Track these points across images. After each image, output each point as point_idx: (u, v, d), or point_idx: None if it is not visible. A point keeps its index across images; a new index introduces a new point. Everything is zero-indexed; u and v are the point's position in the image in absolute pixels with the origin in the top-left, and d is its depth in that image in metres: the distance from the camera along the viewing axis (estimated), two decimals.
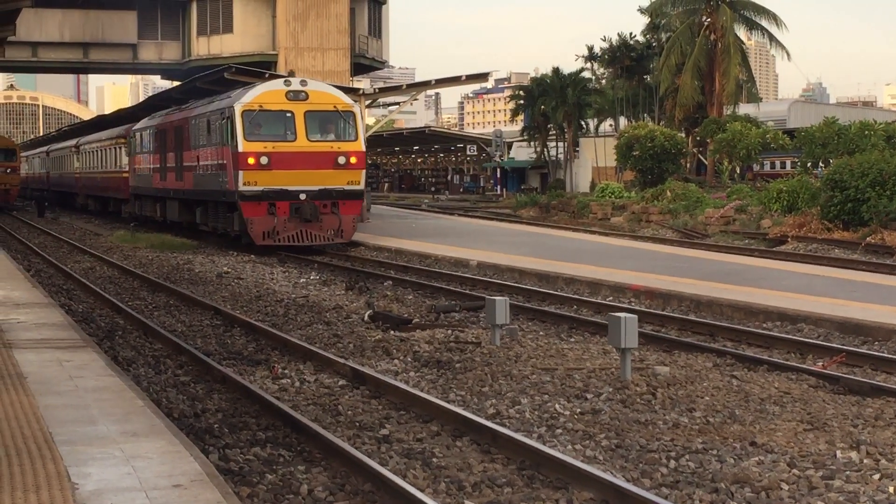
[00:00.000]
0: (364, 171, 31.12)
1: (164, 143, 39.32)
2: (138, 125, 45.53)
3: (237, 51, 66.98)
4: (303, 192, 29.41)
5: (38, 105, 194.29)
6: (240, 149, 29.51)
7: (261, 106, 29.91)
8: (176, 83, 63.75)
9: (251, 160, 29.36)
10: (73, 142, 66.05)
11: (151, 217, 42.82)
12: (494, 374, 13.24)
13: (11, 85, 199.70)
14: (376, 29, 74.08)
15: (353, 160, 30.11)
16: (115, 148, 50.97)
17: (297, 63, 59.23)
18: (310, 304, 20.12)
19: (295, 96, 30.01)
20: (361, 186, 30.84)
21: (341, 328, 17.25)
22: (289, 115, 29.94)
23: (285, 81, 30.92)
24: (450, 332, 16.66)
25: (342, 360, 13.83)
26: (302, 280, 24.38)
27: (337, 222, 29.80)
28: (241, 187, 29.48)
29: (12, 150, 67.83)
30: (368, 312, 18.25)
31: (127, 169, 47.20)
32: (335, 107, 30.55)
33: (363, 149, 31.06)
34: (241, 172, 29.44)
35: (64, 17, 69.32)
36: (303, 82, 30.89)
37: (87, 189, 59.75)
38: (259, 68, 47.13)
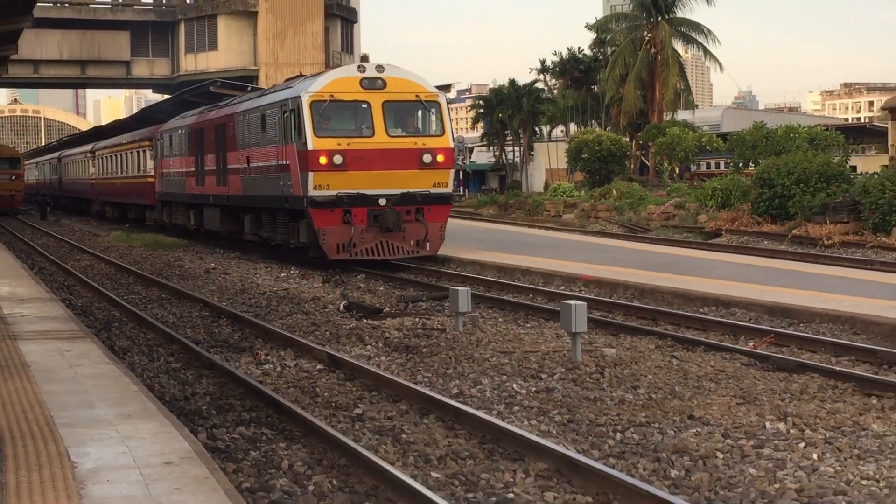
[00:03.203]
0: (452, 170, 24.82)
1: (200, 144, 32.97)
2: (166, 126, 39.19)
3: (222, 66, 66.77)
4: (383, 196, 23.31)
5: (40, 117, 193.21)
6: (309, 146, 23.17)
7: (332, 96, 23.46)
8: (167, 96, 63.39)
9: (323, 159, 23.09)
10: (87, 147, 60.51)
11: (183, 226, 36.60)
12: (458, 358, 13.23)
13: (15, 99, 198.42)
14: (349, 45, 73.97)
15: (440, 158, 23.93)
16: (138, 151, 44.96)
17: (277, 77, 58.99)
18: (290, 296, 20.04)
19: (371, 84, 23.67)
20: (450, 189, 24.51)
21: (319, 317, 17.19)
22: (364, 106, 23.72)
23: (359, 67, 24.07)
24: (417, 319, 16.64)
25: (319, 347, 13.79)
26: (283, 274, 24.27)
27: (422, 231, 23.71)
28: (311, 192, 23.14)
29: (17, 158, 68.26)
30: (343, 303, 18.19)
31: (152, 173, 41.11)
32: (417, 96, 24.13)
33: (451, 145, 24.52)
34: (310, 174, 23.14)
35: (62, 36, 68.87)
36: (379, 67, 24.03)
37: (105, 195, 53.68)
38: (242, 82, 47.01)
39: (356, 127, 23.79)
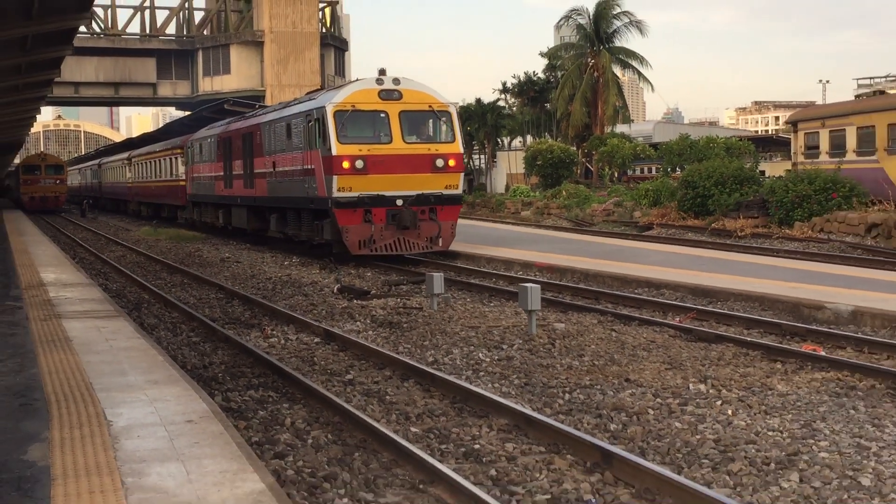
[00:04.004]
0: (463, 174, 23.29)
1: (228, 151, 31.37)
2: (196, 135, 37.55)
3: (234, 88, 66.45)
4: (400, 197, 21.99)
5: (80, 131, 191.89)
6: (333, 152, 21.77)
7: (353, 106, 22.06)
8: (188, 113, 63.05)
9: (346, 164, 21.74)
10: (124, 155, 58.43)
11: (212, 223, 35.17)
12: (433, 332, 13.23)
13: (59, 115, 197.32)
14: (341, 70, 73.80)
15: (451, 163, 22.57)
16: (170, 158, 43.24)
17: (281, 96, 58.75)
18: (292, 281, 19.98)
19: (388, 95, 22.28)
20: (460, 191, 23.08)
21: (316, 299, 17.15)
22: (382, 115, 22.25)
23: (377, 80, 22.64)
24: (399, 300, 16.64)
25: (317, 323, 13.76)
26: (286, 263, 24.17)
27: (435, 229, 22.31)
28: (335, 193, 21.80)
29: (61, 165, 68.14)
30: (337, 286, 18.17)
31: (184, 177, 39.46)
32: (430, 106, 22.72)
33: (461, 150, 23.13)
34: (335, 178, 21.78)
35: (99, 62, 68.36)
36: (395, 80, 22.66)
37: (140, 196, 52.06)
38: (251, 101, 46.75)
39: (375, 134, 22.34)
